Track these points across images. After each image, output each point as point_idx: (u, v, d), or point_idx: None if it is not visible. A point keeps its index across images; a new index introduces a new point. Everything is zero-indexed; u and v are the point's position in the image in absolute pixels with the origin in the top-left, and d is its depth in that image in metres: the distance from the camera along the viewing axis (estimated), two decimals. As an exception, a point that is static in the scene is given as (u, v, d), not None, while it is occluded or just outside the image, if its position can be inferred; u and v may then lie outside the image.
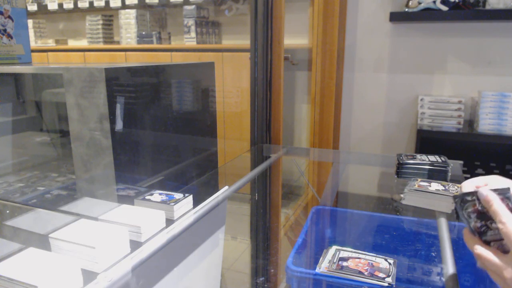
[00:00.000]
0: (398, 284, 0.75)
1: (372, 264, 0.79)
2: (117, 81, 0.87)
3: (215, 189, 1.01)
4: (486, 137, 1.99)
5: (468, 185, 0.65)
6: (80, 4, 3.10)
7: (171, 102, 1.09)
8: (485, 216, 0.60)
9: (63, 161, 1.28)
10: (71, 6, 3.13)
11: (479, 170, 2.09)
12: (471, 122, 2.17)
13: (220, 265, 0.96)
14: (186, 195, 0.86)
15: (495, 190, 0.59)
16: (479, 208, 0.60)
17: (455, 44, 2.18)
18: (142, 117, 0.97)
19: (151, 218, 0.75)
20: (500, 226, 0.56)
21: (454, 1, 1.98)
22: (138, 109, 0.96)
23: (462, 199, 0.62)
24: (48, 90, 1.30)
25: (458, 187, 1.05)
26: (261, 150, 1.64)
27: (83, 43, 3.40)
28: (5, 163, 1.24)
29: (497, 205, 0.57)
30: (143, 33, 2.93)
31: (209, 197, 0.95)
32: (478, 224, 0.60)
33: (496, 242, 0.59)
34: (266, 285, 0.88)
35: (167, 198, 0.85)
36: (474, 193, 0.61)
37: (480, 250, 0.59)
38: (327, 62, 2.19)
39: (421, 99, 2.14)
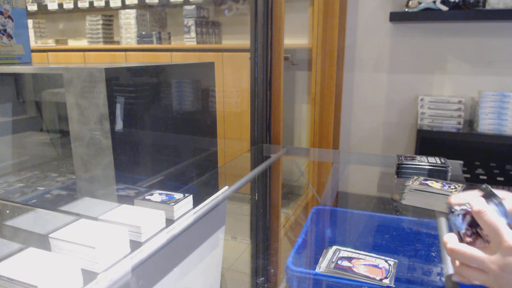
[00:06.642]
0: (398, 284, 0.75)
1: (371, 264, 0.79)
2: (117, 81, 0.87)
3: (215, 189, 1.01)
4: (486, 137, 1.99)
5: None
6: (80, 4, 3.09)
7: (171, 102, 1.09)
8: (476, 225, 0.58)
9: (63, 161, 1.28)
10: (71, 6, 3.13)
11: (479, 170, 2.10)
12: (471, 122, 2.17)
13: (220, 265, 0.96)
14: (186, 195, 0.86)
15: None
16: (471, 217, 0.59)
17: (455, 44, 2.18)
18: (142, 117, 0.97)
19: (151, 218, 0.75)
20: (479, 214, 0.55)
21: (454, 1, 1.98)
22: (138, 109, 0.96)
23: (452, 209, 0.61)
24: (48, 90, 1.30)
25: (458, 186, 1.05)
26: (261, 150, 1.64)
27: (83, 43, 3.40)
28: (5, 163, 1.24)
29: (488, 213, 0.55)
30: (143, 33, 2.93)
31: (209, 197, 0.95)
32: (469, 232, 0.59)
33: None
34: (266, 285, 0.88)
35: (167, 198, 0.85)
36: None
37: (455, 244, 0.57)
38: (327, 62, 2.19)
39: (421, 99, 2.14)
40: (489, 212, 0.55)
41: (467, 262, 0.56)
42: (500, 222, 0.54)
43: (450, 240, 0.59)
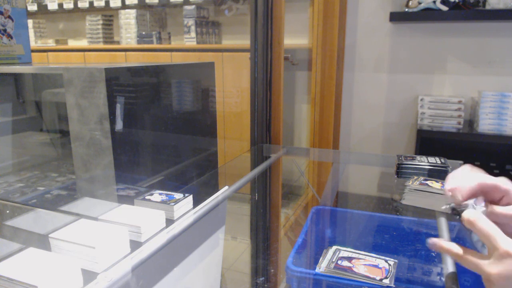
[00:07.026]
0: (398, 284, 0.75)
1: (371, 264, 0.79)
2: (117, 81, 0.87)
3: (215, 189, 1.01)
4: (486, 137, 1.99)
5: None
6: (80, 4, 3.10)
7: (171, 102, 1.09)
8: None
9: (63, 161, 1.28)
10: (71, 6, 3.13)
11: (479, 170, 2.09)
12: (471, 122, 2.17)
13: (220, 265, 0.96)
14: (186, 195, 0.86)
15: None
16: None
17: (455, 44, 2.18)
18: (142, 117, 0.97)
19: (151, 218, 0.75)
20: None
21: (454, 1, 1.98)
22: (138, 109, 0.96)
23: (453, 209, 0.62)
24: (48, 90, 1.30)
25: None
26: (261, 150, 1.64)
27: (83, 43, 3.40)
28: (5, 163, 1.24)
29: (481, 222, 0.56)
30: (143, 33, 2.93)
31: (209, 197, 0.95)
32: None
33: None
34: (266, 285, 0.88)
35: (167, 198, 0.85)
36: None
37: (459, 249, 0.57)
38: (327, 62, 2.19)
39: (421, 99, 2.14)
40: (480, 220, 0.55)
41: (467, 266, 0.56)
42: (492, 228, 0.54)
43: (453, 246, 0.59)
